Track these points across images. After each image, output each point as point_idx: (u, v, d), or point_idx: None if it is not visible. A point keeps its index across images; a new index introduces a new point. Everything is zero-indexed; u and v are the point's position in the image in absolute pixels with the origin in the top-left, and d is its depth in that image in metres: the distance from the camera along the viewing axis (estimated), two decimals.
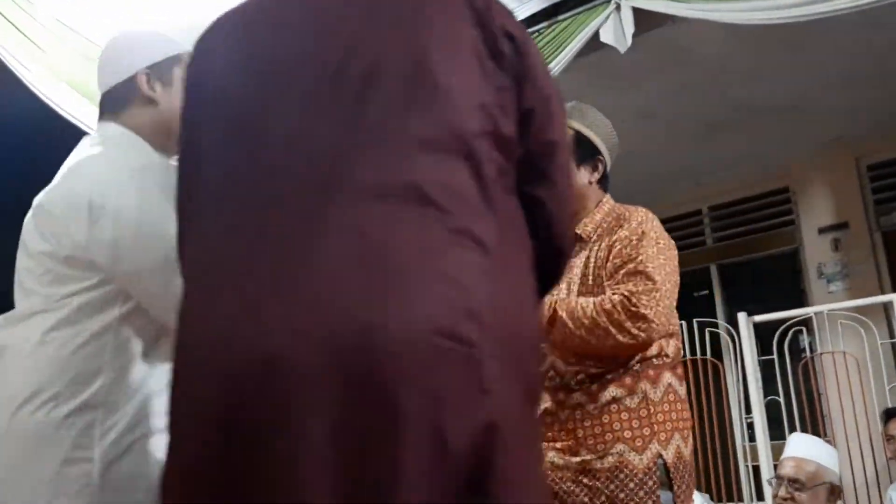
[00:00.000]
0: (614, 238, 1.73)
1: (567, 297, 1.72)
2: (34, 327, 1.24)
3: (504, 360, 0.76)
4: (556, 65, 3.26)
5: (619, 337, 1.60)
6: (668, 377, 1.70)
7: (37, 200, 1.34)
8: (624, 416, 1.64)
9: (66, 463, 1.17)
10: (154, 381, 1.26)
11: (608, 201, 1.85)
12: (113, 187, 1.25)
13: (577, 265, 1.76)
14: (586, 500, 1.62)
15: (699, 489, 3.75)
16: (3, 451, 1.20)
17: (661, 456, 1.62)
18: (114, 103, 1.42)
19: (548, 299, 1.69)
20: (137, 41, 1.46)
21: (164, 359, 1.28)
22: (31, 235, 1.31)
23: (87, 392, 1.20)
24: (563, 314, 1.65)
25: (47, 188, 1.35)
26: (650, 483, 1.60)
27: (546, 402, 1.71)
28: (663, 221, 1.82)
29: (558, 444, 1.68)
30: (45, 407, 1.19)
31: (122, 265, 1.23)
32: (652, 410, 1.65)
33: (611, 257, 1.70)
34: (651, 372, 1.68)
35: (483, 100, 0.87)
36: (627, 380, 1.66)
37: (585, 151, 1.82)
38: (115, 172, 1.29)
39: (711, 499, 4.18)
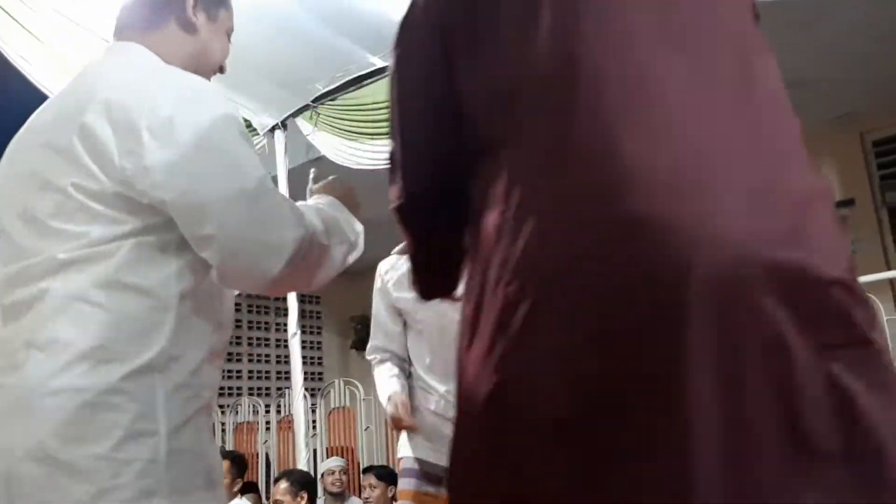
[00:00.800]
0: None
1: None
2: (78, 276, 1.03)
3: None
4: None
5: None
6: None
7: (52, 119, 1.12)
8: None
9: (128, 436, 0.98)
10: (205, 346, 1.10)
11: None
12: (177, 106, 1.05)
13: None
14: None
15: None
16: (43, 415, 0.98)
17: None
18: (144, 19, 1.21)
19: None
20: None
21: (216, 321, 1.13)
22: (51, 164, 1.08)
23: (149, 352, 1.02)
24: None
25: (61, 103, 1.15)
26: None
27: None
28: None
29: None
30: (101, 367, 0.99)
31: (185, 192, 1.02)
32: None
33: None
34: None
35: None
36: None
37: None
38: (176, 90, 1.08)
39: None
